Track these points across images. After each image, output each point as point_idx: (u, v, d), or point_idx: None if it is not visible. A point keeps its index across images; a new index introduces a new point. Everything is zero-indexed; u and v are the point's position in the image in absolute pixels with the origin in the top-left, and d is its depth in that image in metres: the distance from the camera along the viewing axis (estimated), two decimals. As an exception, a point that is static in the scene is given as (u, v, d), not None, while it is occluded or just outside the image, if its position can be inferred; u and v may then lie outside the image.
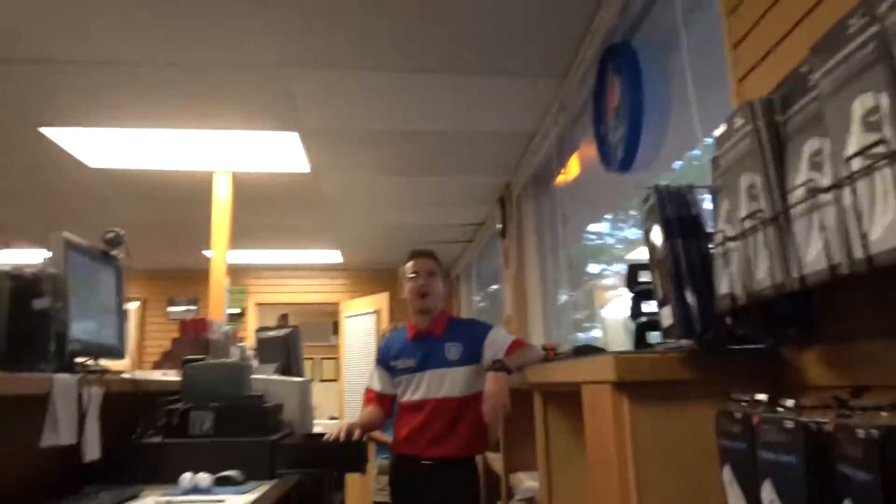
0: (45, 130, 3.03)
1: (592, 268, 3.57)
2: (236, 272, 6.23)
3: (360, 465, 1.91)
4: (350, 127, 3.11)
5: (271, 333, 3.10)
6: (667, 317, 1.04)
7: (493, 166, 3.58)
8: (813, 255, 0.71)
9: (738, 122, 0.86)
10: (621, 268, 2.98)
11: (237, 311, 6.09)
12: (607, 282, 3.37)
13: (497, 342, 2.14)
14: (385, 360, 2.31)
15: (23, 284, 1.34)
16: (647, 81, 2.02)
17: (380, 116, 3.00)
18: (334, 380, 6.87)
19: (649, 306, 1.44)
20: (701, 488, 1.05)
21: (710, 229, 1.03)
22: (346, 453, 1.90)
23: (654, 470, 1.06)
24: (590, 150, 3.23)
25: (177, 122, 2.99)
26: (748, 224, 0.83)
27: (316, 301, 6.56)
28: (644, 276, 1.43)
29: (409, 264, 2.28)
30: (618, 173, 2.15)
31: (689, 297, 0.99)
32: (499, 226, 3.91)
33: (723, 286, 0.93)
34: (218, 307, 3.37)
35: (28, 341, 1.33)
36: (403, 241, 4.75)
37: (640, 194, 1.16)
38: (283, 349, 2.96)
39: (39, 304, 1.34)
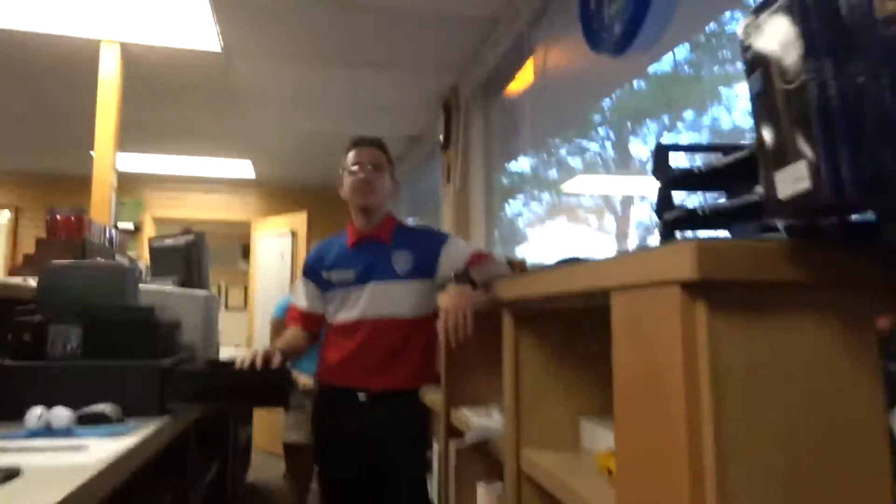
0: None
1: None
2: (131, 182, 5.45)
3: (282, 397, 1.50)
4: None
5: (168, 242, 2.57)
6: (796, 180, 0.67)
7: (441, 61, 3.11)
8: None
9: None
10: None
11: (130, 226, 5.37)
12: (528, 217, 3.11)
13: (457, 253, 1.76)
14: (316, 270, 1.88)
15: None
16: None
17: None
18: (242, 308, 6.32)
19: (684, 197, 1.11)
20: (809, 433, 0.73)
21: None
22: (265, 383, 1.49)
23: (741, 409, 0.72)
24: (554, 53, 2.84)
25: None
26: None
27: (225, 219, 5.91)
28: (678, 160, 1.10)
29: (351, 154, 1.83)
30: (611, 55, 1.77)
31: (842, 149, 0.63)
32: (441, 136, 3.48)
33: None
34: (102, 210, 2.78)
35: None
36: (326, 154, 4.23)
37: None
38: (184, 261, 2.45)
39: None
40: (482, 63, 3.04)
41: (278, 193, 5.85)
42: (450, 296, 1.47)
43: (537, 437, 1.42)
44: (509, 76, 3.06)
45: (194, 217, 5.76)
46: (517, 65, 2.95)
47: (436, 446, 2.22)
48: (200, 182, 5.68)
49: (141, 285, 1.75)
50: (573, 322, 1.44)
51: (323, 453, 1.83)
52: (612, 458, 1.10)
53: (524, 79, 3.01)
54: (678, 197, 1.10)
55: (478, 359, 2.10)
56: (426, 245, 1.81)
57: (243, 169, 5.18)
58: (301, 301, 1.87)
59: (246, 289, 6.01)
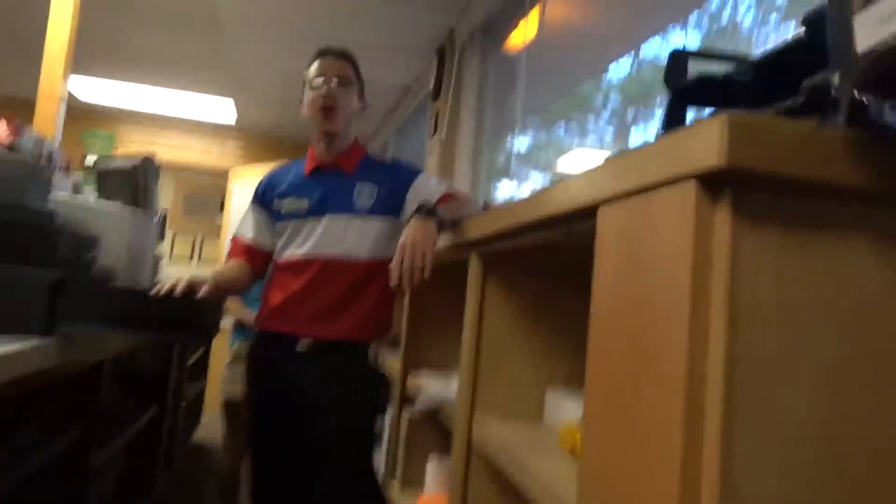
0: None
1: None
2: (104, 115, 5.17)
3: (201, 333, 1.27)
4: None
5: (116, 164, 2.32)
6: (887, 18, 0.45)
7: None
8: None
9: None
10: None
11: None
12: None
13: (426, 190, 1.53)
14: (266, 197, 1.64)
15: None
16: None
17: None
18: (217, 261, 6.07)
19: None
20: (859, 398, 0.51)
21: None
22: (181, 313, 1.26)
23: (765, 356, 0.51)
24: (560, 5, 2.61)
25: None
26: None
27: (201, 163, 5.62)
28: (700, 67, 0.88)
29: (314, 65, 1.59)
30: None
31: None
32: (432, 84, 3.23)
33: None
34: (47, 124, 2.51)
35: None
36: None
37: None
38: (131, 185, 2.21)
39: None
40: (478, 7, 2.79)
41: (259, 141, 5.54)
42: (409, 231, 1.25)
43: (494, 405, 1.21)
44: (510, 25, 2.82)
45: (169, 158, 5.45)
46: (519, 13, 2.71)
47: (389, 413, 2.01)
48: (179, 122, 5.38)
49: (56, 194, 1.52)
50: (549, 272, 1.22)
51: (255, 409, 1.60)
52: (577, 432, 0.90)
53: (526, 31, 2.77)
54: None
55: (442, 318, 1.88)
56: (394, 179, 1.58)
57: (224, 110, 4.87)
58: (247, 231, 1.63)
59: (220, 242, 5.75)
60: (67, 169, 2.48)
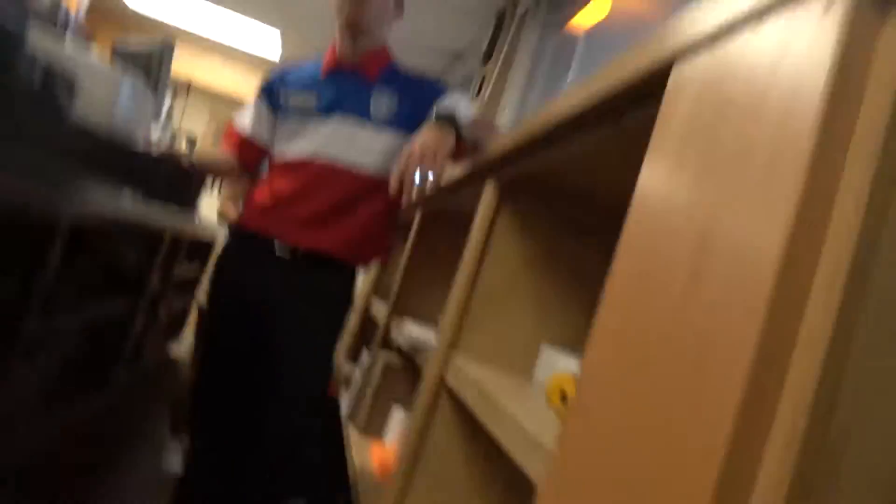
0: None
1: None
2: (149, 27, 5.04)
3: (160, 192, 1.10)
4: None
5: (133, 47, 2.17)
6: None
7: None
8: None
9: None
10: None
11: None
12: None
13: (454, 106, 1.34)
14: (274, 89, 1.45)
15: None
16: None
17: None
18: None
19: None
20: None
21: None
22: (156, 174, 1.09)
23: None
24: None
25: None
26: None
27: (238, 94, 5.48)
28: None
29: None
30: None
31: None
32: (484, 48, 3.04)
33: None
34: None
35: None
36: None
37: None
38: (146, 69, 2.06)
39: None
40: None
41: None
42: (420, 136, 1.07)
43: (479, 352, 1.03)
44: (576, 4, 2.62)
45: (206, 83, 5.33)
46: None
47: (365, 357, 1.84)
48: (221, 49, 5.21)
49: (39, 42, 1.35)
50: (571, 218, 1.04)
51: (214, 313, 1.42)
52: (570, 381, 0.72)
53: (591, 14, 2.57)
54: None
55: (441, 271, 1.71)
56: (420, 94, 1.39)
57: (270, 42, 4.70)
58: (245, 122, 1.45)
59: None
60: (87, 38, 2.32)
